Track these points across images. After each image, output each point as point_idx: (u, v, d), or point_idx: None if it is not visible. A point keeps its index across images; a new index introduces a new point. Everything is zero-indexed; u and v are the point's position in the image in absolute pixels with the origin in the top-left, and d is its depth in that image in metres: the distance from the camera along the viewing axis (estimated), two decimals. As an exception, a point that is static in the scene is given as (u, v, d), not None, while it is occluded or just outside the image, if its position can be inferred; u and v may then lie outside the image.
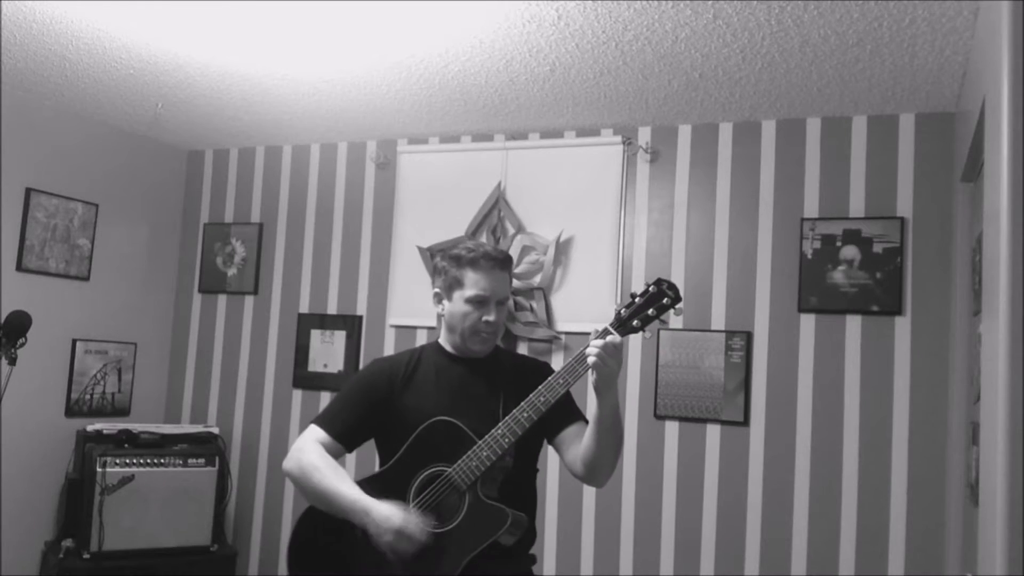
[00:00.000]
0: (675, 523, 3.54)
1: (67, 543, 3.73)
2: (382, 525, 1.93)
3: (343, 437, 2.15)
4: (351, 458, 3.79)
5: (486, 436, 1.99)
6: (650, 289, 1.99)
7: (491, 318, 2.12)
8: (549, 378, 1.98)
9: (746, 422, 3.48)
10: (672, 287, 1.98)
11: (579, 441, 2.09)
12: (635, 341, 3.64)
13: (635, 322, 1.96)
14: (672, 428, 3.59)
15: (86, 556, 3.63)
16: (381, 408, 2.15)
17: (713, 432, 3.52)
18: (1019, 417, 1.66)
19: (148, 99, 3.80)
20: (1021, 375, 1.66)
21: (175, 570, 3.79)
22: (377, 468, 2.18)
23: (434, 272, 2.24)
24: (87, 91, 3.73)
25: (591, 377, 1.93)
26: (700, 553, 3.49)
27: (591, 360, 1.90)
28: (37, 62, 3.40)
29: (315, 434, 2.14)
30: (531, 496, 2.20)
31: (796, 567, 3.35)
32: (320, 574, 2.11)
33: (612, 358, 1.90)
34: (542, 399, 1.97)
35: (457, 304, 2.15)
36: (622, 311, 1.99)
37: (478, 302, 2.12)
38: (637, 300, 1.98)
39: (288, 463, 2.13)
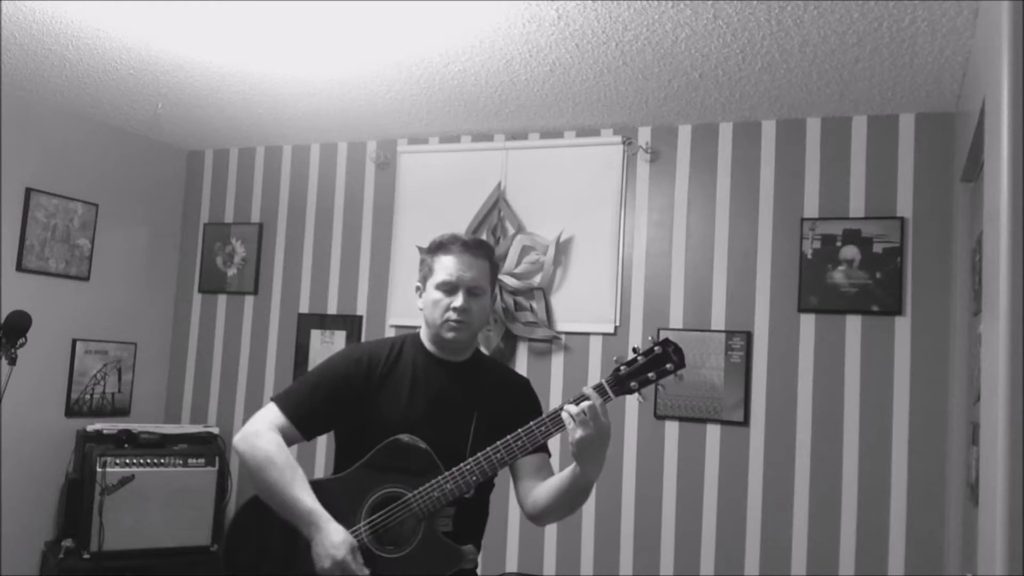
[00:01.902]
0: (675, 523, 3.54)
1: (67, 543, 3.73)
2: (327, 549, 1.86)
3: (303, 426, 2.02)
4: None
5: (453, 470, 1.91)
6: (655, 350, 1.89)
7: (458, 304, 2.00)
8: (531, 424, 1.89)
9: (746, 422, 3.48)
10: (678, 351, 1.88)
11: (536, 476, 2.02)
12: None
13: (632, 383, 1.87)
14: (672, 428, 3.59)
15: (86, 556, 3.63)
16: (351, 403, 2.04)
17: (713, 432, 3.52)
18: (1019, 417, 1.65)
19: (148, 99, 3.80)
20: (1021, 375, 1.66)
21: (175, 570, 3.79)
22: (334, 459, 2.10)
23: (419, 266, 2.17)
24: (87, 91, 3.73)
25: (571, 439, 1.81)
26: (700, 553, 3.49)
27: (564, 417, 1.80)
28: (37, 62, 3.40)
29: (273, 417, 2.00)
30: (483, 514, 2.13)
31: (796, 567, 3.35)
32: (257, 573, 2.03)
33: (584, 425, 1.79)
34: (519, 443, 1.89)
35: (429, 292, 2.07)
36: (621, 368, 1.89)
37: (447, 288, 2.03)
38: (639, 359, 1.89)
39: (241, 444, 1.98)
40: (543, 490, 1.98)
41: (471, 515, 2.03)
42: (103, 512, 3.67)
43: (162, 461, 3.85)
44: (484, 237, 3.90)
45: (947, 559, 3.07)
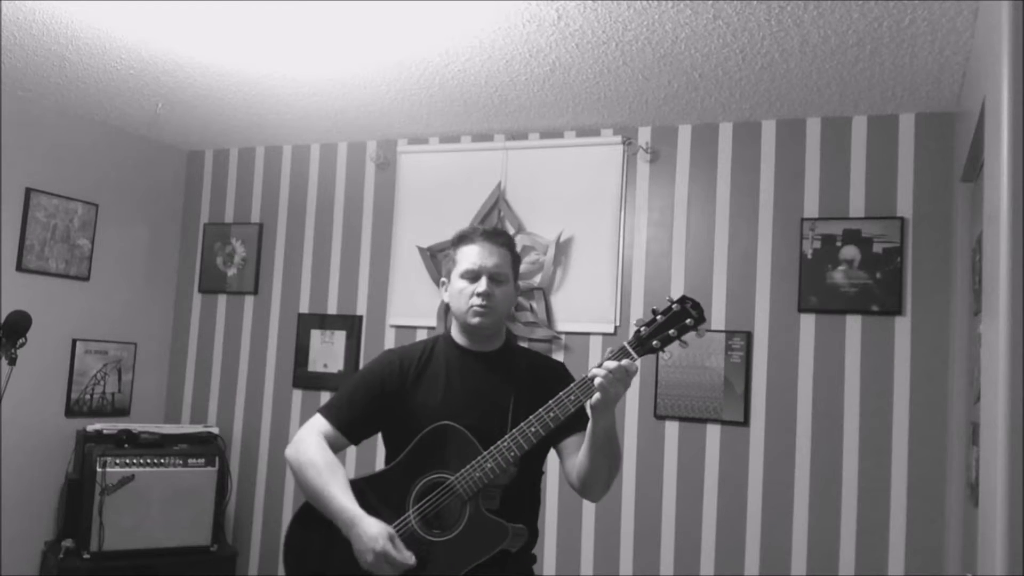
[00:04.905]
0: (675, 523, 3.54)
1: (67, 543, 3.73)
2: (366, 544, 1.90)
3: (348, 431, 2.12)
4: (356, 452, 3.80)
5: (491, 448, 1.95)
6: (673, 307, 1.92)
7: (482, 289, 2.07)
8: (560, 394, 1.94)
9: (746, 422, 3.48)
10: (696, 306, 1.92)
11: (578, 452, 2.06)
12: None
13: (655, 342, 1.91)
14: (672, 428, 3.59)
15: (86, 556, 3.63)
16: (390, 403, 2.12)
17: (713, 432, 3.52)
18: (1019, 417, 1.66)
19: (148, 99, 3.80)
20: (1021, 375, 1.66)
21: (175, 570, 3.79)
22: (383, 462, 2.16)
23: (443, 263, 2.24)
24: (87, 91, 3.73)
25: (593, 396, 1.89)
26: (700, 553, 3.49)
27: (597, 382, 1.85)
28: (37, 62, 3.39)
29: (319, 425, 2.11)
30: (534, 500, 2.17)
31: (796, 567, 3.35)
32: (315, 572, 2.10)
33: (621, 383, 1.85)
34: (552, 415, 1.93)
35: (454, 283, 2.14)
36: (642, 329, 1.92)
37: (470, 276, 2.10)
38: (658, 318, 1.92)
39: (289, 451, 2.11)
40: (579, 460, 2.03)
41: (519, 496, 2.06)
42: (103, 512, 3.67)
43: (162, 461, 3.85)
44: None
45: (947, 559, 3.07)
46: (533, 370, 2.17)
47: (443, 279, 2.21)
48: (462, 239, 2.16)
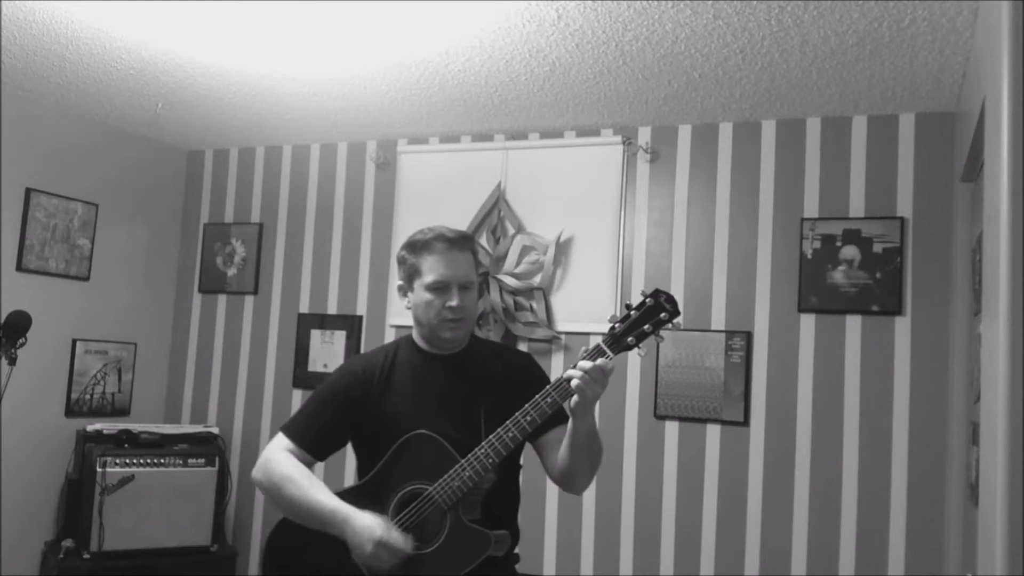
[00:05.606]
0: (675, 523, 3.54)
1: (67, 543, 3.73)
2: (362, 535, 1.86)
3: (312, 447, 2.07)
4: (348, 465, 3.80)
5: (469, 456, 1.91)
6: (647, 301, 1.87)
7: (454, 303, 2.01)
8: (536, 397, 1.90)
9: (746, 422, 3.48)
10: (671, 299, 1.87)
11: (559, 447, 2.03)
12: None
13: (629, 339, 1.86)
14: (672, 428, 3.59)
15: (86, 556, 3.63)
16: (357, 414, 2.07)
17: (713, 432, 3.52)
18: (1019, 417, 1.65)
19: (148, 99, 3.80)
20: (1021, 375, 1.66)
21: (175, 570, 3.79)
22: (356, 473, 2.13)
23: (398, 264, 2.14)
24: (87, 91, 3.73)
25: (572, 398, 1.86)
26: (700, 553, 3.49)
27: (574, 384, 1.82)
28: (37, 62, 3.39)
29: (283, 444, 2.06)
30: (514, 498, 2.14)
31: (796, 567, 3.35)
32: None
33: (597, 383, 1.81)
34: (528, 418, 1.89)
35: (419, 294, 2.05)
36: (616, 326, 1.88)
37: (438, 288, 2.02)
38: (632, 314, 1.87)
39: (257, 473, 2.06)
40: (561, 458, 2.01)
41: (501, 500, 2.03)
42: (103, 512, 3.67)
43: (162, 461, 3.85)
44: (484, 237, 3.90)
45: (947, 559, 3.07)
46: (501, 366, 2.13)
47: (400, 282, 2.12)
48: (425, 246, 2.05)
